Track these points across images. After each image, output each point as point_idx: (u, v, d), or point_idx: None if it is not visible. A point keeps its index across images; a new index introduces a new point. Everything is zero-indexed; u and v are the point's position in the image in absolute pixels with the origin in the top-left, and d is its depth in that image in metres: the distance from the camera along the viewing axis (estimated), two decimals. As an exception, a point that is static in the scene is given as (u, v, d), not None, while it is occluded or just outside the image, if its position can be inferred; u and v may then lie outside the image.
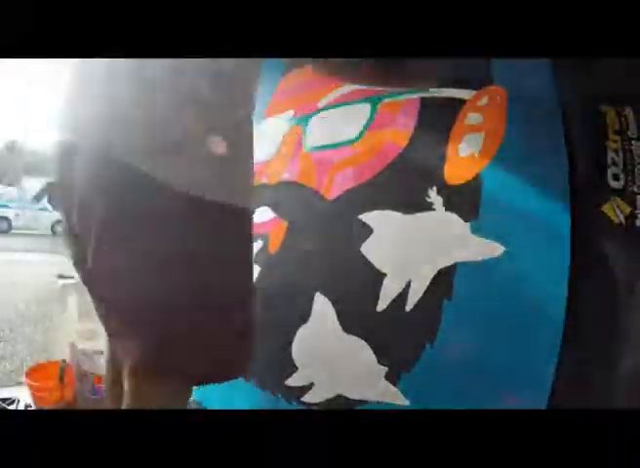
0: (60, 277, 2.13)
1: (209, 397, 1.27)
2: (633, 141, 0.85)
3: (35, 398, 1.36)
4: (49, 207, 10.49)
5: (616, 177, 0.83)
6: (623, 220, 0.80)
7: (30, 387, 1.37)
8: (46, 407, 1.31)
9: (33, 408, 1.34)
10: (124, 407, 0.65)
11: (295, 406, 1.05)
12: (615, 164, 0.84)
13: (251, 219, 0.69)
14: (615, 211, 0.81)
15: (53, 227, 10.10)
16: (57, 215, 10.30)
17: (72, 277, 2.17)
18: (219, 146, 0.63)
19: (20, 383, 1.44)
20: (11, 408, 1.33)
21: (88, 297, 0.78)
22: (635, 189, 0.82)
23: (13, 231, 9.79)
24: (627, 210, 0.81)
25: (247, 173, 0.70)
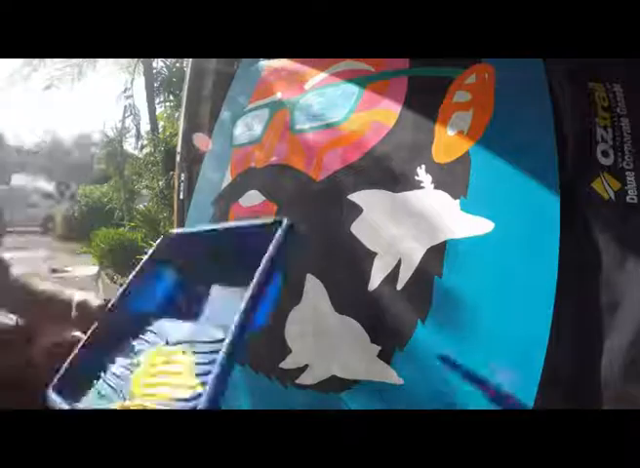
0: (54, 271, 2.12)
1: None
2: (622, 118, 0.85)
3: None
4: (38, 203, 10.39)
5: (605, 154, 0.83)
6: (613, 196, 0.80)
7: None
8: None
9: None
10: None
11: (290, 388, 1.06)
12: (604, 140, 0.84)
13: None
14: (604, 187, 0.81)
15: (43, 224, 10.00)
16: (47, 212, 10.23)
17: (66, 271, 2.16)
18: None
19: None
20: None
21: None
22: (624, 165, 0.82)
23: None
24: (617, 186, 0.81)
25: None
